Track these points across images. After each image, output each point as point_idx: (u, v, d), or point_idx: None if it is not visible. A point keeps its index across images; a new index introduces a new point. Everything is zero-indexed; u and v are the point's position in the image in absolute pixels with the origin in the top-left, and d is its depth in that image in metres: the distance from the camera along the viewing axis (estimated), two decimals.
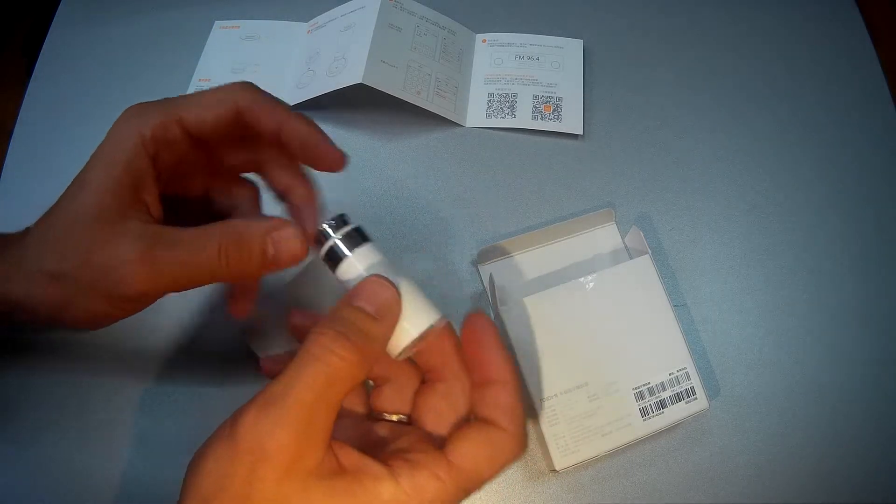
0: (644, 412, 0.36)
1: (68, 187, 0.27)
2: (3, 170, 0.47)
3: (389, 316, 0.24)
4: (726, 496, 0.38)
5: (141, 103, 0.28)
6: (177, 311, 0.41)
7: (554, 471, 0.35)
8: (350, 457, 0.23)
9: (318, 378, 0.22)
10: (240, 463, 0.21)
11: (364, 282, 0.25)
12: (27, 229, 0.28)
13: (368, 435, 0.27)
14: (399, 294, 0.25)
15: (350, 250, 0.26)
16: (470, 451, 0.24)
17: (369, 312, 0.24)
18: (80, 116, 0.49)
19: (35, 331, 0.31)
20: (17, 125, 0.49)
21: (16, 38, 1.15)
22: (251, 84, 0.29)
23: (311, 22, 0.52)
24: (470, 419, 0.26)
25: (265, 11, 0.53)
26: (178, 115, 0.27)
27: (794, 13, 0.53)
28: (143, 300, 0.27)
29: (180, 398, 0.39)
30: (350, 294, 0.24)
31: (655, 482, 0.38)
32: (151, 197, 0.27)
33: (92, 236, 0.26)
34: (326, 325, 0.23)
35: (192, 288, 0.27)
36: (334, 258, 0.26)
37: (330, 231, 0.26)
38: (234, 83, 0.29)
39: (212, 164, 0.31)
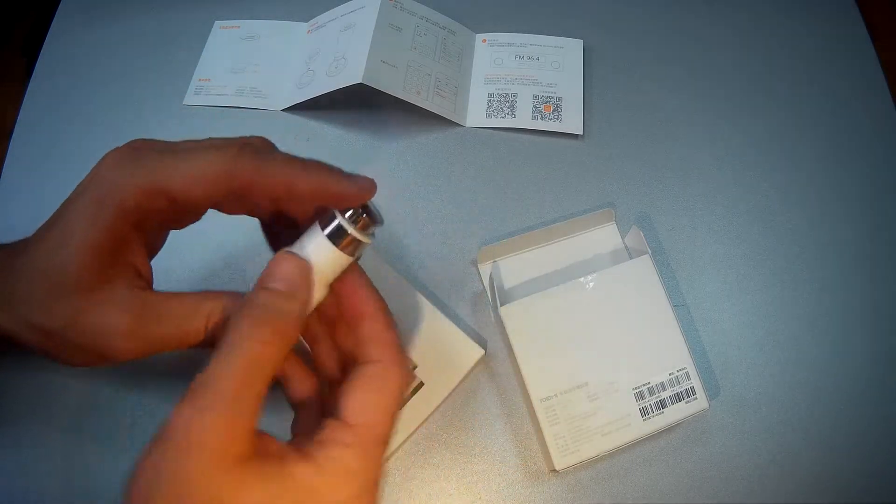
0: (644, 412, 0.36)
1: (48, 228, 0.26)
2: (3, 170, 0.47)
3: (302, 287, 0.24)
4: (726, 496, 0.38)
5: (123, 153, 0.25)
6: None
7: (554, 471, 0.35)
8: (273, 444, 0.23)
9: (240, 366, 0.22)
10: (170, 458, 0.21)
11: (271, 262, 0.25)
12: (11, 255, 0.26)
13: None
14: (308, 261, 0.25)
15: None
16: (358, 404, 0.24)
17: (282, 290, 0.24)
18: (80, 116, 0.49)
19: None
20: (17, 125, 0.49)
21: (16, 38, 1.15)
22: (250, 146, 0.26)
23: (311, 22, 0.52)
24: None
25: (265, 11, 0.53)
26: (162, 185, 0.25)
27: (794, 13, 0.53)
28: (126, 359, 0.27)
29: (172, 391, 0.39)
30: (261, 277, 0.25)
31: (655, 482, 0.38)
32: (140, 258, 0.27)
33: (77, 300, 0.25)
34: (244, 313, 0.23)
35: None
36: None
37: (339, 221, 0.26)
38: (232, 143, 0.26)
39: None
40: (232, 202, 0.27)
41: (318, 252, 0.26)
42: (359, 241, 0.26)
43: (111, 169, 0.25)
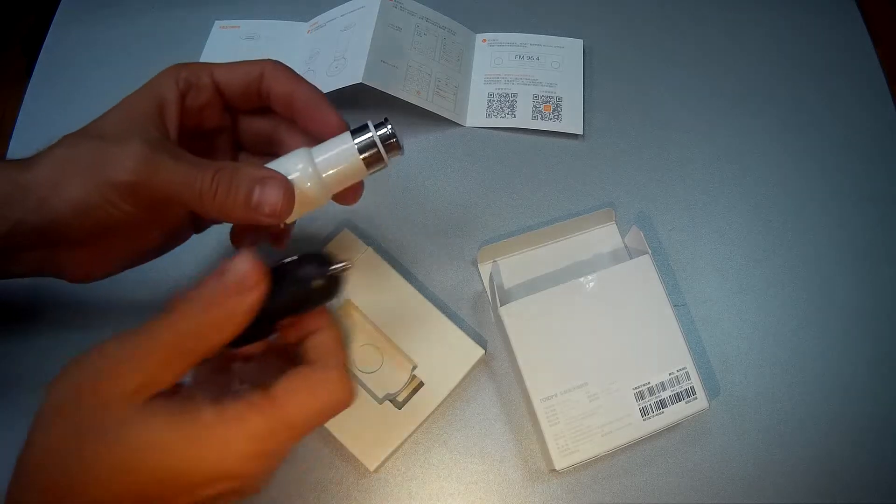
0: (644, 412, 0.36)
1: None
2: None
3: (253, 293, 0.25)
4: (726, 496, 0.38)
5: (183, 63, 0.31)
6: (163, 297, 0.41)
7: (554, 471, 0.35)
8: (186, 389, 0.25)
9: (178, 328, 0.24)
10: (90, 376, 0.23)
11: (235, 256, 0.25)
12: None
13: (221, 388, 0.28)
14: (262, 268, 0.25)
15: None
16: (291, 389, 0.25)
17: (232, 286, 0.25)
18: (80, 116, 0.49)
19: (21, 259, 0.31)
20: (17, 125, 0.49)
21: (16, 38, 1.15)
22: (279, 61, 0.32)
23: (311, 22, 0.52)
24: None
25: (265, 11, 0.53)
26: (210, 68, 0.31)
27: (794, 13, 0.53)
28: (127, 202, 0.27)
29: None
30: (220, 266, 0.25)
31: (655, 482, 0.38)
32: (172, 124, 0.29)
33: (109, 132, 0.27)
34: (192, 292, 0.25)
35: (178, 209, 0.29)
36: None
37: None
38: (266, 59, 0.32)
39: (237, 132, 0.34)
40: (256, 113, 0.33)
41: (342, 155, 0.28)
42: (380, 158, 0.29)
43: (169, 67, 0.30)
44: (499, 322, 0.38)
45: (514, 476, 0.38)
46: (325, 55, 0.48)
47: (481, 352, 0.38)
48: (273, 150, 0.34)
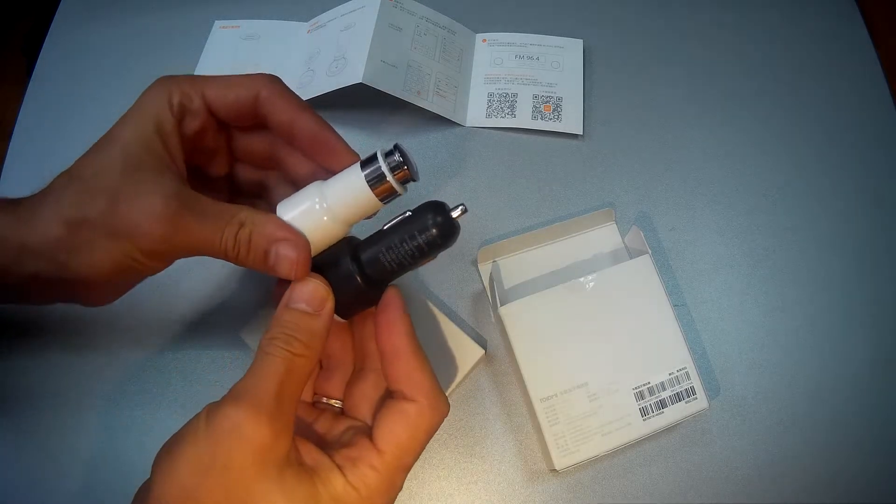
0: (644, 412, 0.36)
1: (94, 145, 0.28)
2: (3, 170, 0.47)
3: (325, 308, 0.27)
4: (726, 496, 0.38)
5: (170, 75, 0.29)
6: (173, 307, 0.42)
7: (554, 471, 0.35)
8: (309, 451, 0.25)
9: (279, 372, 0.24)
10: (220, 452, 0.22)
11: (296, 284, 0.27)
12: (43, 189, 0.28)
13: (313, 425, 0.29)
14: (328, 283, 0.27)
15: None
16: (390, 434, 0.26)
17: (306, 311, 0.26)
18: (80, 116, 0.49)
19: (30, 295, 0.31)
20: (17, 125, 0.49)
21: (16, 38, 1.15)
22: (276, 77, 0.30)
23: (311, 22, 0.52)
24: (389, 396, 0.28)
25: (265, 11, 0.53)
26: (202, 88, 0.29)
27: (794, 13, 0.53)
28: (153, 261, 0.27)
29: (177, 392, 0.40)
30: (286, 297, 0.27)
31: (655, 482, 0.38)
32: (178, 158, 0.28)
33: (120, 185, 0.26)
34: (275, 330, 0.26)
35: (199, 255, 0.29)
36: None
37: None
38: (262, 74, 0.30)
39: (233, 148, 0.33)
40: (253, 131, 0.31)
41: (354, 191, 0.28)
42: (393, 190, 0.28)
43: (157, 83, 0.28)
44: (499, 322, 0.38)
45: (514, 476, 0.38)
46: (325, 55, 0.48)
47: (481, 352, 0.38)
48: (272, 166, 0.33)
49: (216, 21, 0.53)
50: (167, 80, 0.29)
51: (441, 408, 0.27)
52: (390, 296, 0.28)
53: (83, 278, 0.27)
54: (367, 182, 0.27)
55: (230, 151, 0.33)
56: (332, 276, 0.28)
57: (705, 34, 0.52)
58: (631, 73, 0.51)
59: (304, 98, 0.46)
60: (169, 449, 0.23)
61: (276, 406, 0.24)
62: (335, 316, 0.28)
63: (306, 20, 0.52)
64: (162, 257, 0.27)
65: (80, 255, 0.26)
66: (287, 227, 0.27)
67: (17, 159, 0.47)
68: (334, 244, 0.29)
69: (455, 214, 0.27)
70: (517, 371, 0.37)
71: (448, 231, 0.27)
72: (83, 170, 0.27)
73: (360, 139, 0.48)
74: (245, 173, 0.34)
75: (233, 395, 0.24)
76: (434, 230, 0.27)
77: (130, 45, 0.52)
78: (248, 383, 0.24)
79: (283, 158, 0.32)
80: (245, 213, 0.27)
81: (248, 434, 0.23)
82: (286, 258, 0.27)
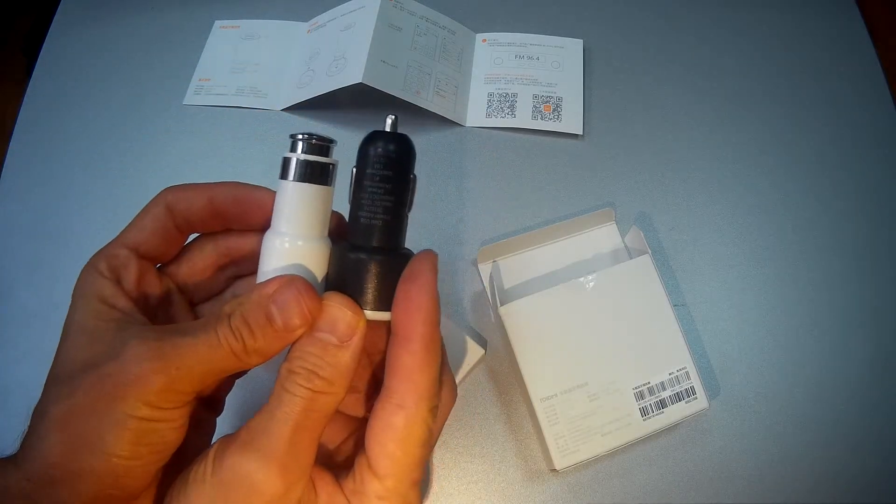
0: (644, 412, 0.36)
1: (59, 345, 0.24)
2: (3, 170, 0.47)
3: (355, 337, 0.23)
4: (726, 496, 0.38)
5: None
6: None
7: (554, 471, 0.35)
8: (324, 485, 0.23)
9: (295, 413, 0.22)
10: (231, 499, 0.21)
11: (324, 308, 0.23)
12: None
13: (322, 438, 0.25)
14: (361, 310, 0.23)
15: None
16: (384, 456, 0.23)
17: (332, 342, 0.23)
18: (80, 116, 0.49)
19: None
20: (17, 125, 0.49)
21: (16, 38, 1.15)
22: (174, 186, 0.27)
23: (311, 22, 0.52)
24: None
25: (265, 11, 0.53)
26: (121, 241, 0.26)
27: (794, 13, 0.53)
28: (163, 411, 0.22)
29: None
30: (310, 333, 0.23)
31: (655, 482, 0.38)
32: (135, 311, 0.25)
33: (98, 360, 0.23)
34: (295, 363, 0.23)
35: (217, 383, 0.26)
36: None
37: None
38: (160, 194, 0.27)
39: (181, 280, 0.29)
40: (178, 242, 0.28)
41: (292, 201, 0.25)
42: (323, 165, 0.25)
43: (81, 272, 0.25)
44: (499, 322, 0.38)
45: (514, 476, 0.38)
46: (325, 55, 0.48)
47: (481, 352, 0.38)
48: (226, 268, 0.29)
49: (216, 21, 0.53)
50: (92, 259, 0.26)
51: (431, 409, 0.24)
52: (418, 261, 0.24)
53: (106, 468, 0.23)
54: (297, 180, 0.25)
55: (181, 286, 0.29)
56: (345, 279, 0.24)
57: (705, 34, 0.52)
58: (631, 73, 0.51)
59: (304, 98, 0.47)
60: (178, 493, 0.22)
61: (290, 453, 0.22)
62: (382, 314, 0.24)
63: (306, 20, 0.52)
64: (171, 401, 0.22)
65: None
66: (271, 281, 0.24)
67: (17, 159, 0.47)
68: (330, 260, 0.26)
69: (388, 128, 0.26)
70: (517, 371, 0.37)
71: (391, 141, 0.25)
72: (60, 370, 0.23)
73: (360, 139, 0.47)
74: (206, 295, 0.30)
75: (243, 440, 0.22)
76: (379, 149, 0.25)
77: (130, 45, 0.52)
78: (262, 425, 0.22)
79: (231, 248, 0.29)
80: (227, 304, 0.24)
81: (258, 486, 0.21)
82: (287, 302, 0.23)
